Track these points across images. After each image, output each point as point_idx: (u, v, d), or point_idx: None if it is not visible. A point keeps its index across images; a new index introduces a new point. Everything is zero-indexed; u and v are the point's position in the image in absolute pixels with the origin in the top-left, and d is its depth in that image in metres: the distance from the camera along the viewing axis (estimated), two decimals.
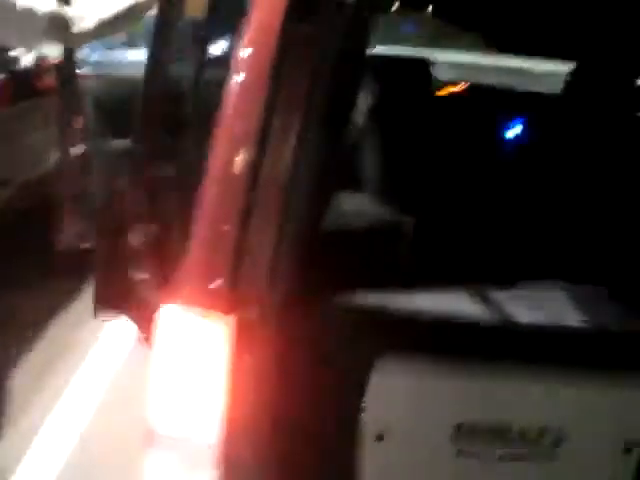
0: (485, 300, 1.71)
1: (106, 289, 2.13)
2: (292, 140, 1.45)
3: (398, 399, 1.67)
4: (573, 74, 2.69)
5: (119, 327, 3.59)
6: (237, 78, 1.39)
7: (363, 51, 1.98)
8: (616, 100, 2.61)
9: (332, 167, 1.67)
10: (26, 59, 4.44)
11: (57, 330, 3.87)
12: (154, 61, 2.02)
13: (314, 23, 1.43)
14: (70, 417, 3.33)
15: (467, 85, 4.98)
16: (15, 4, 2.24)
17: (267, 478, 1.56)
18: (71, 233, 3.41)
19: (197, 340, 1.43)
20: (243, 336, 1.42)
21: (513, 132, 2.39)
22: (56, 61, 3.18)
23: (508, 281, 1.79)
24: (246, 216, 1.42)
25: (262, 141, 1.39)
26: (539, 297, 1.78)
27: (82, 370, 3.68)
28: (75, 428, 3.27)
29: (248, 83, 1.38)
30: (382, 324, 1.62)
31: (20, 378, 3.19)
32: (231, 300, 1.41)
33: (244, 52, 1.41)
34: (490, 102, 2.62)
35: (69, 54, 2.69)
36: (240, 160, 1.41)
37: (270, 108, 1.39)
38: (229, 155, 1.42)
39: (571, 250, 1.98)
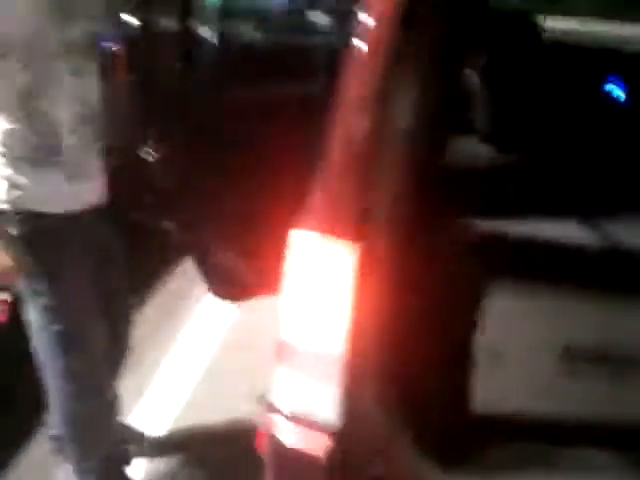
0: (593, 227, 1.83)
1: None
2: (412, 94, 1.62)
3: (511, 321, 1.83)
4: None
5: None
6: (359, 45, 1.57)
7: (479, 9, 2.14)
8: None
9: (446, 117, 1.84)
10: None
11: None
12: None
13: None
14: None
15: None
16: None
17: (387, 393, 1.74)
18: None
19: (327, 264, 1.64)
20: (368, 262, 1.61)
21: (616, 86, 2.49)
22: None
23: (614, 210, 1.90)
24: (370, 162, 1.61)
25: (385, 98, 1.57)
26: None
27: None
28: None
29: (369, 48, 1.56)
30: (496, 250, 1.78)
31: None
32: (359, 230, 1.61)
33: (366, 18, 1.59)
34: (599, 56, 2.71)
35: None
36: (365, 118, 1.60)
37: (389, 71, 1.56)
38: (355, 114, 1.60)
39: None
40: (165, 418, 3.18)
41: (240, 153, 2.41)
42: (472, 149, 2.14)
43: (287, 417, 1.75)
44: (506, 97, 2.08)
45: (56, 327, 2.31)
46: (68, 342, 2.34)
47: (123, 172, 2.45)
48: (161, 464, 2.95)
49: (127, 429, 2.90)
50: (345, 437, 1.72)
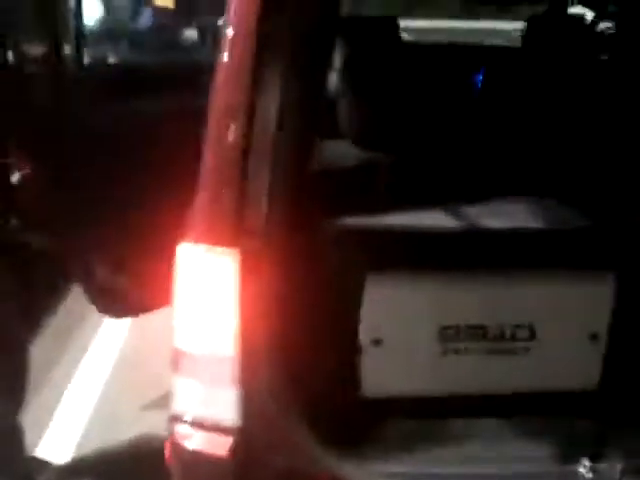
0: (458, 215, 1.97)
1: None
2: (277, 103, 1.72)
3: (390, 308, 1.95)
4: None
5: None
6: (224, 57, 1.66)
7: (336, 14, 2.25)
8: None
9: (313, 121, 1.93)
10: None
11: None
12: None
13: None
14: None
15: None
16: None
17: (281, 388, 1.83)
18: None
19: (211, 271, 1.72)
20: (248, 263, 1.70)
21: (476, 77, 2.65)
22: None
23: (477, 199, 2.05)
24: (242, 168, 1.69)
25: (252, 106, 1.66)
26: (505, 209, 2.03)
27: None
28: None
29: (234, 60, 1.65)
30: (370, 243, 1.89)
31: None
32: (237, 236, 1.69)
33: (229, 32, 1.68)
34: (456, 53, 2.89)
35: None
36: (234, 126, 1.68)
37: (254, 79, 1.66)
38: (225, 122, 1.69)
39: (530, 172, 2.24)
40: (70, 444, 3.18)
41: (111, 169, 2.48)
42: (345, 151, 2.24)
43: (189, 423, 1.81)
44: (369, 100, 2.19)
45: None
46: None
47: None
48: None
49: (32, 461, 2.89)
50: (246, 435, 1.80)
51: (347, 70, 2.27)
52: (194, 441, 1.81)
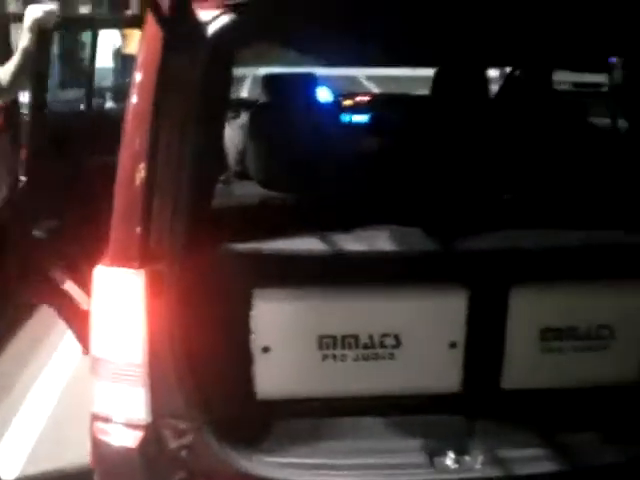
0: (330, 241, 2.25)
1: None
2: (177, 147, 2.07)
3: (275, 320, 2.26)
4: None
5: None
6: (131, 103, 2.02)
7: (230, 73, 2.65)
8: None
9: (212, 164, 2.29)
10: None
11: None
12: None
13: (185, 54, 2.04)
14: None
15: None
16: None
17: (186, 390, 2.14)
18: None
19: (122, 288, 2.05)
20: (153, 282, 2.03)
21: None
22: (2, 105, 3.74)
23: (346, 228, 2.33)
24: (147, 203, 2.03)
25: (155, 149, 2.01)
26: (367, 235, 2.32)
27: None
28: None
29: (139, 107, 2.01)
30: (256, 264, 2.21)
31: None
32: (143, 259, 2.03)
33: (135, 80, 2.04)
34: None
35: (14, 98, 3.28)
36: (140, 166, 2.03)
37: (157, 126, 2.01)
38: (132, 164, 2.03)
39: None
40: (18, 463, 3.46)
41: None
42: (250, 190, 2.60)
43: (105, 420, 2.13)
44: (270, 149, 2.56)
45: None
46: None
47: None
48: None
49: None
50: (154, 430, 2.11)
51: (253, 124, 2.64)
52: (109, 435, 2.12)
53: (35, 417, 3.84)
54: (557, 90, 3.75)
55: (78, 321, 3.03)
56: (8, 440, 3.65)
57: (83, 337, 2.93)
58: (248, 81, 10.34)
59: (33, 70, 3.14)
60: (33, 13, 3.03)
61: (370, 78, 16.68)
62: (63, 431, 3.62)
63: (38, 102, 3.20)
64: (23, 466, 3.44)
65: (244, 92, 9.56)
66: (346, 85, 10.43)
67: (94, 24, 4.40)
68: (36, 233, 3.11)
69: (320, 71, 5.77)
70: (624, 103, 3.58)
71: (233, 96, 5.02)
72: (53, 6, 3.18)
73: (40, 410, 3.91)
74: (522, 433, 2.29)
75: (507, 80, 3.51)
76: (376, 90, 14.29)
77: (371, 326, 2.28)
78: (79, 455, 3.23)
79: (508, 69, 4.25)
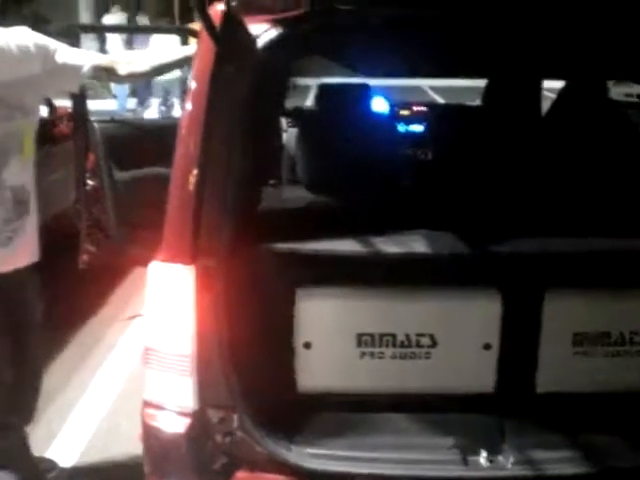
0: (366, 241, 2.36)
1: None
2: (227, 153, 2.21)
3: (317, 317, 2.37)
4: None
5: None
6: (186, 112, 2.17)
7: (280, 84, 2.79)
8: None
9: (259, 169, 2.43)
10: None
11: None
12: None
13: (236, 66, 2.18)
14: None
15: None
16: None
17: (230, 381, 2.26)
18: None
19: (174, 283, 2.19)
20: (203, 278, 2.17)
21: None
22: (69, 110, 3.92)
23: (381, 227, 2.44)
24: (199, 205, 2.18)
25: (207, 155, 2.15)
26: (406, 238, 2.42)
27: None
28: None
29: (192, 115, 2.15)
30: (299, 264, 2.33)
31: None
32: (192, 256, 2.17)
33: (190, 89, 2.18)
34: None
35: (81, 103, 3.43)
36: (192, 171, 2.17)
37: (209, 133, 2.15)
38: (186, 167, 2.18)
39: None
40: (75, 451, 3.66)
41: None
42: (299, 194, 2.74)
43: (155, 407, 2.27)
44: (319, 155, 2.69)
45: None
46: None
47: None
48: None
49: (43, 461, 3.35)
50: (201, 418, 2.25)
51: (303, 130, 2.78)
52: (159, 421, 2.27)
53: (93, 411, 4.04)
54: (613, 100, 3.81)
55: None
56: (66, 431, 3.84)
57: None
58: (312, 91, 10.54)
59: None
60: None
61: (434, 89, 16.79)
62: (120, 426, 3.80)
63: None
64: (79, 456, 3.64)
65: (308, 101, 9.72)
66: (410, 95, 10.57)
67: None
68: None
69: (385, 82, 5.93)
70: None
71: (295, 105, 5.20)
72: None
73: (99, 403, 4.11)
74: (553, 435, 2.36)
75: (562, 91, 3.59)
76: (441, 100, 14.44)
77: (408, 326, 2.38)
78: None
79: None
